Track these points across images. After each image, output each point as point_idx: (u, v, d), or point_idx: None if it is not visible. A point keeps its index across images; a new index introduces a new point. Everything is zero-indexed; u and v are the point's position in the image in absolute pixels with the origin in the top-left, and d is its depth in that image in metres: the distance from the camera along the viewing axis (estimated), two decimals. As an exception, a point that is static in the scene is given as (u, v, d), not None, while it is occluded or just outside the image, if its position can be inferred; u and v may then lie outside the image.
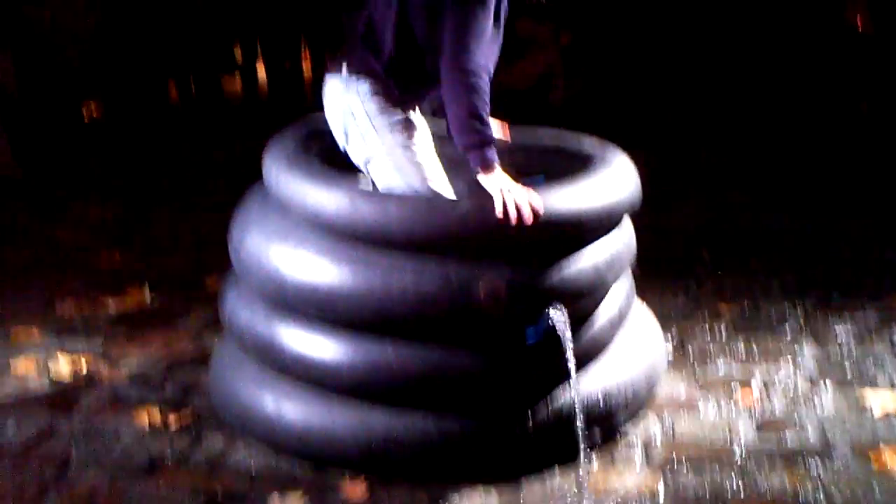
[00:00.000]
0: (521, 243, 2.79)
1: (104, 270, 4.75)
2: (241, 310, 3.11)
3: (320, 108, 3.07)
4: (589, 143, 3.32)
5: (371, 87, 2.92)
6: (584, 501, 2.79)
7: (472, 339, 2.83)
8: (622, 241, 3.08)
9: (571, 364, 2.77)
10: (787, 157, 6.93)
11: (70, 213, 5.67)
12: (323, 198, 2.84)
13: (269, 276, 2.95)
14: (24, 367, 3.64)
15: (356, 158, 2.99)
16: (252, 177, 3.19)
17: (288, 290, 2.91)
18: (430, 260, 2.76)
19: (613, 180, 3.01)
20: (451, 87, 2.75)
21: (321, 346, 2.89)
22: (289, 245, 2.92)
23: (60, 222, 5.48)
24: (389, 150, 2.92)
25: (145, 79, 8.29)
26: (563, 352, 2.76)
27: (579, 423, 2.77)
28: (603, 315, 3.03)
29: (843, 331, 3.96)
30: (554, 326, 2.76)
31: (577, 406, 2.78)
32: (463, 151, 2.78)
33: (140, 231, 5.38)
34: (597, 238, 2.96)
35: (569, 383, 2.79)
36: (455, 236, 2.76)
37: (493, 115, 2.86)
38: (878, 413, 3.27)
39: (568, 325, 2.76)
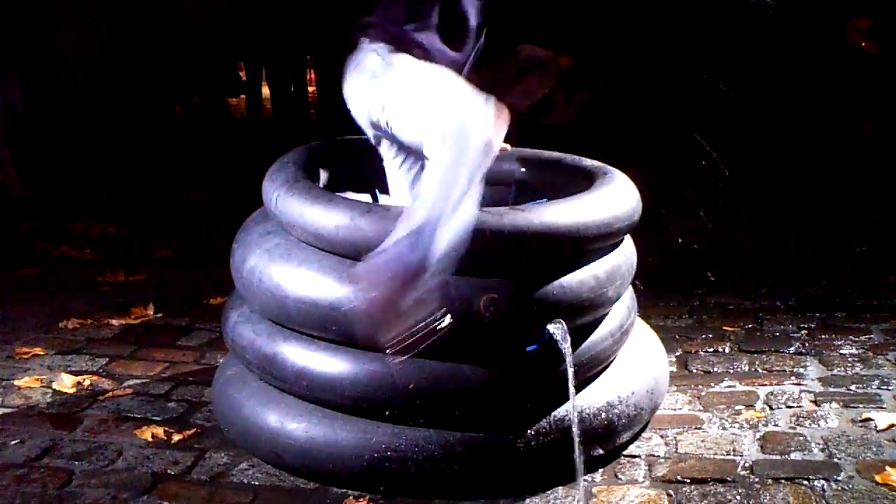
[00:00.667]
0: (521, 258, 2.79)
1: (108, 289, 4.76)
2: (244, 329, 3.12)
3: (324, 131, 3.09)
4: (589, 162, 3.35)
5: (388, 46, 2.94)
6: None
7: (474, 353, 2.83)
8: (623, 256, 3.10)
9: (570, 379, 2.77)
10: (790, 175, 6.95)
11: (75, 232, 5.68)
12: (322, 216, 2.86)
13: (271, 294, 2.96)
14: (28, 385, 3.65)
15: (373, 114, 2.97)
16: (256, 196, 3.20)
17: (290, 308, 2.92)
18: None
19: (614, 197, 3.03)
20: None
21: (323, 363, 2.89)
22: (290, 263, 2.93)
23: (65, 241, 5.49)
24: (403, 77, 2.87)
25: (151, 99, 8.34)
26: (563, 366, 2.76)
27: (577, 438, 2.76)
28: (604, 330, 3.04)
29: (847, 350, 3.96)
30: (554, 341, 2.76)
31: (574, 421, 2.78)
32: None
33: (144, 250, 5.40)
34: (597, 253, 2.97)
35: (570, 397, 2.79)
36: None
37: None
38: (882, 432, 3.26)
39: (568, 340, 2.77)
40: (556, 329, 2.77)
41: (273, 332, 3.02)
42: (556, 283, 2.83)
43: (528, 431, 2.88)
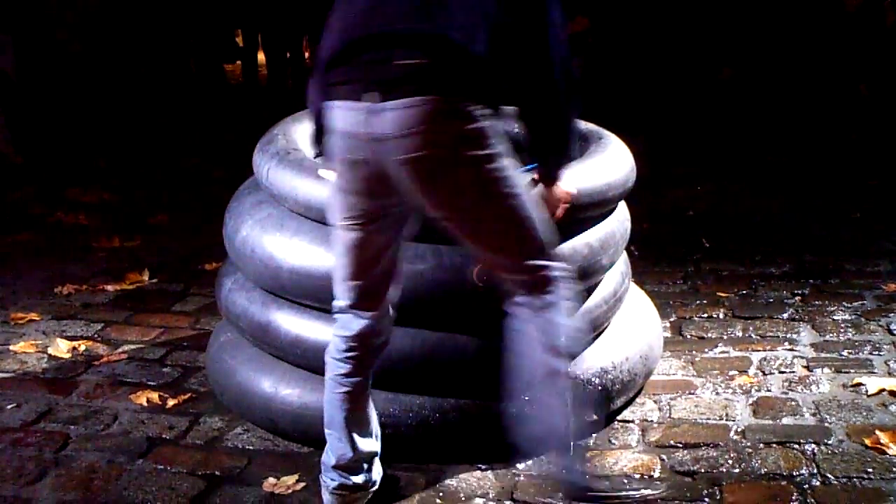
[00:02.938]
0: None
1: (104, 255, 4.77)
2: (238, 297, 3.12)
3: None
4: (584, 126, 3.33)
5: None
6: (581, 482, 2.79)
7: (466, 321, 2.84)
8: (617, 223, 3.10)
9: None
10: (786, 141, 6.94)
11: (70, 198, 5.67)
12: (314, 188, 2.86)
13: (264, 264, 2.97)
14: (24, 349, 3.66)
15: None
16: (251, 163, 3.20)
17: (283, 278, 2.93)
18: (422, 244, 2.78)
19: (607, 163, 3.03)
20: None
21: (317, 331, 2.90)
22: (283, 234, 2.94)
23: (60, 207, 5.49)
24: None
25: (146, 65, 8.30)
26: None
27: (570, 404, 2.77)
28: (598, 297, 3.04)
29: (840, 316, 3.97)
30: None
31: (567, 387, 2.78)
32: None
33: (139, 216, 5.39)
34: (591, 221, 2.97)
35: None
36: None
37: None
38: (873, 396, 3.28)
39: None
40: None
41: (267, 301, 3.03)
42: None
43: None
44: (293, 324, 2.95)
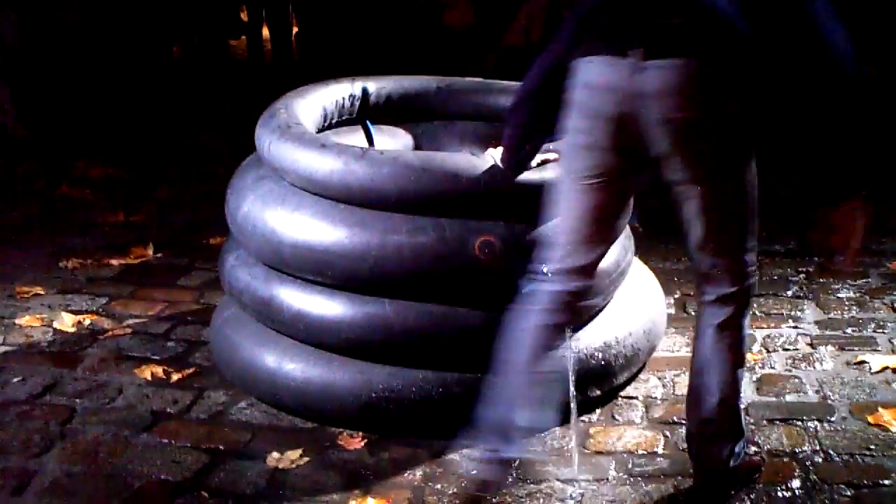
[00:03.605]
0: (515, 200, 2.80)
1: (108, 229, 4.77)
2: (240, 272, 3.13)
3: (321, 73, 3.07)
4: None
5: None
6: (583, 458, 2.81)
7: (469, 294, 2.84)
8: None
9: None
10: (791, 119, 6.90)
11: (74, 172, 5.67)
12: (316, 162, 2.86)
13: (265, 239, 2.97)
14: (29, 323, 3.67)
15: None
16: (254, 138, 3.19)
17: (285, 253, 2.93)
18: (424, 217, 2.79)
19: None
20: None
21: (320, 306, 2.91)
22: (285, 209, 2.94)
23: (65, 181, 5.49)
24: None
25: (150, 40, 8.27)
26: None
27: (572, 379, 2.78)
28: (601, 271, 3.03)
29: (844, 294, 3.97)
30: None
31: (569, 361, 2.79)
32: None
33: (144, 190, 5.39)
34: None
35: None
36: (448, 193, 2.78)
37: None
38: (876, 374, 3.28)
39: None
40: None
41: (269, 276, 3.03)
42: (551, 224, 2.82)
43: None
44: (296, 299, 2.95)
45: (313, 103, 3.30)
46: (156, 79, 8.03)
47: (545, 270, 2.53)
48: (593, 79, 2.31)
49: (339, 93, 3.42)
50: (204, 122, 7.04)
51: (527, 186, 2.77)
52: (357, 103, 3.47)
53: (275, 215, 2.95)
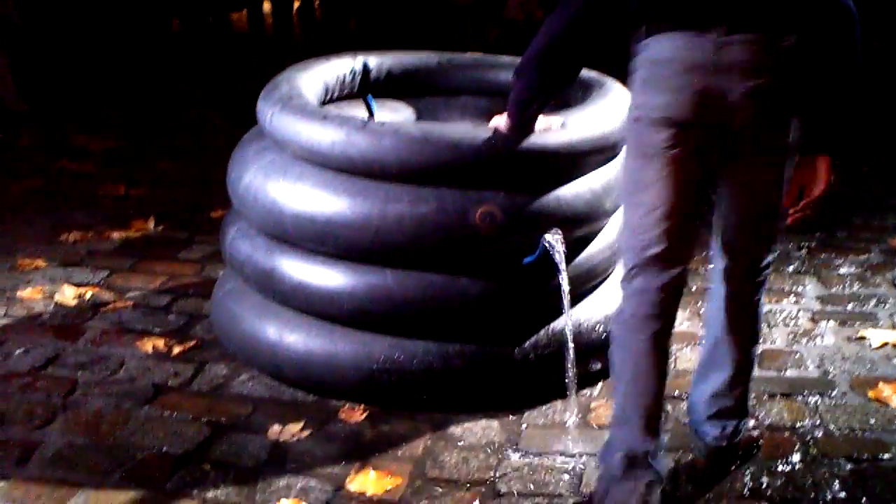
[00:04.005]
0: (516, 171, 2.80)
1: (109, 202, 4.77)
2: (242, 244, 3.13)
3: (323, 47, 3.07)
4: (586, 74, 3.32)
5: None
6: (585, 432, 2.81)
7: (471, 265, 2.85)
8: (619, 168, 3.08)
9: (565, 289, 2.79)
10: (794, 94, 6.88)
11: (75, 146, 5.66)
12: (317, 133, 2.85)
13: (267, 210, 2.97)
14: (31, 296, 3.67)
15: None
16: (255, 112, 3.19)
17: (287, 224, 2.93)
18: (425, 187, 2.79)
19: (608, 110, 3.02)
20: None
21: (321, 276, 2.91)
22: (287, 180, 2.94)
23: (66, 155, 5.48)
24: None
25: (150, 13, 8.25)
26: (558, 277, 2.78)
27: (571, 351, 2.78)
28: (601, 243, 3.05)
29: (845, 270, 3.97)
30: (550, 251, 2.77)
31: (568, 333, 2.79)
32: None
33: (145, 163, 5.39)
34: (593, 166, 2.97)
35: (564, 311, 2.80)
36: (450, 164, 2.78)
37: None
38: (877, 349, 3.29)
39: (562, 249, 2.78)
40: (553, 239, 2.78)
41: (271, 247, 3.03)
42: (552, 195, 2.84)
43: (526, 344, 2.91)
44: (297, 270, 2.95)
45: (315, 77, 3.30)
46: (156, 52, 8.01)
47: (635, 265, 2.42)
48: (672, 55, 2.30)
49: (340, 67, 3.42)
50: (204, 95, 7.03)
51: (527, 156, 2.77)
52: (358, 78, 3.47)
53: (276, 186, 2.95)
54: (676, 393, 3.02)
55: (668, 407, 2.95)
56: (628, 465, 2.41)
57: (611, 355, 2.50)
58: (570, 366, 2.79)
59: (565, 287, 2.79)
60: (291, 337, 2.97)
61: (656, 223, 2.37)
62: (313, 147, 2.87)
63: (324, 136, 2.84)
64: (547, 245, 2.77)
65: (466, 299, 2.84)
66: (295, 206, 2.90)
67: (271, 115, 3.00)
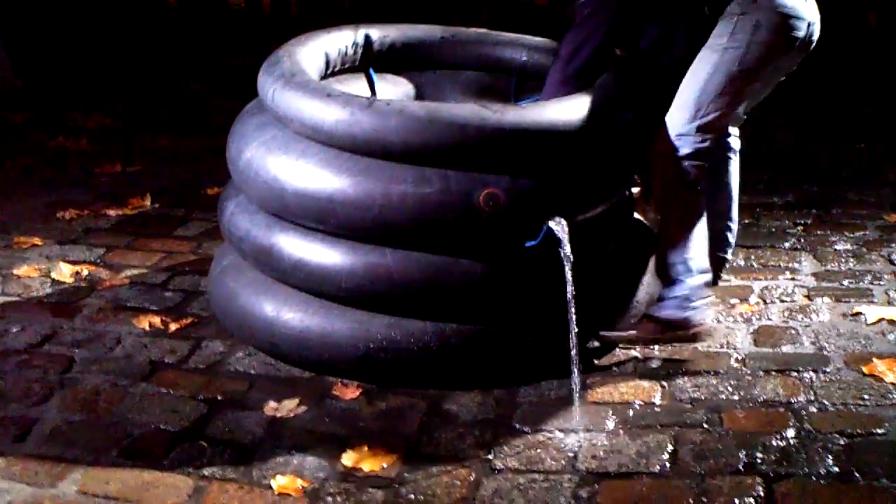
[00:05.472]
0: (521, 155, 2.80)
1: (105, 180, 4.76)
2: (240, 219, 3.12)
3: (320, 22, 3.05)
4: None
5: None
6: (581, 409, 2.82)
7: (472, 247, 2.84)
8: (623, 153, 3.08)
9: (568, 276, 2.78)
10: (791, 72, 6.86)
11: (70, 123, 5.65)
12: (321, 111, 2.84)
13: (268, 186, 2.96)
14: (27, 274, 3.67)
15: None
16: (253, 88, 3.18)
17: (288, 201, 2.91)
18: (429, 168, 2.78)
19: (614, 95, 3.01)
20: None
21: (321, 254, 2.91)
22: (288, 156, 2.92)
23: (61, 132, 5.47)
24: None
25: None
26: (561, 262, 2.77)
27: (574, 332, 2.79)
28: (603, 227, 3.05)
29: (841, 246, 3.97)
30: (554, 235, 2.77)
31: (571, 314, 2.79)
32: None
33: (141, 140, 5.37)
34: (597, 149, 2.97)
35: (567, 293, 2.80)
36: (455, 145, 2.77)
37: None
38: (872, 325, 3.30)
39: (567, 237, 2.77)
40: (556, 226, 2.78)
41: (270, 223, 3.02)
42: (556, 179, 2.84)
43: (524, 324, 2.92)
44: (296, 247, 2.94)
45: (316, 50, 3.26)
46: (152, 28, 7.97)
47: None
48: (787, 7, 2.97)
49: (342, 40, 3.39)
50: (201, 72, 7.00)
51: (533, 141, 2.79)
52: (360, 51, 3.44)
53: (278, 162, 2.93)
54: (672, 370, 3.03)
55: (664, 383, 2.96)
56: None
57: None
58: (573, 342, 2.79)
59: (569, 274, 2.78)
60: (288, 314, 2.97)
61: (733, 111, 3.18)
62: (317, 125, 2.85)
63: (328, 114, 2.83)
64: (551, 229, 2.78)
65: (466, 281, 2.84)
66: (296, 183, 2.88)
67: (273, 91, 2.98)
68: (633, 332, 3.07)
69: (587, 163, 2.94)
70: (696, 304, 3.04)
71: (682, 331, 3.05)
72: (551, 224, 2.78)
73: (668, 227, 3.09)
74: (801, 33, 3.02)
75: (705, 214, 3.09)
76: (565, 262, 2.77)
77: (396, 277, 2.84)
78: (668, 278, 3.08)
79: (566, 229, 2.78)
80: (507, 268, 2.87)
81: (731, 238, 3.48)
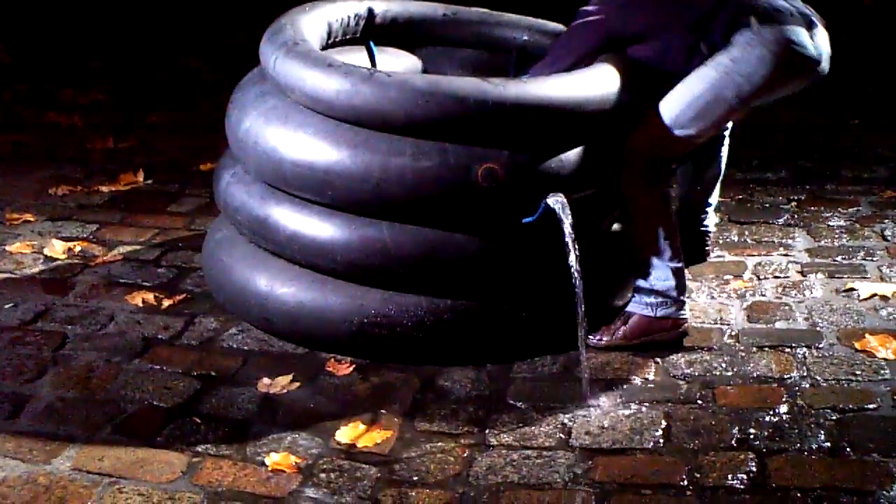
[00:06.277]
0: (521, 130, 2.81)
1: (98, 156, 4.73)
2: (237, 190, 3.11)
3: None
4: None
5: None
6: (575, 385, 2.83)
7: (469, 222, 2.85)
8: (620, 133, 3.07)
9: (572, 253, 2.78)
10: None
11: (62, 99, 5.61)
12: (323, 81, 2.83)
13: (266, 156, 2.95)
14: (20, 250, 3.66)
15: None
16: (249, 63, 3.16)
17: (286, 171, 2.91)
18: (428, 141, 2.78)
19: (616, 72, 3.00)
20: None
21: (316, 227, 2.91)
22: (288, 127, 2.91)
23: (53, 108, 5.43)
24: None
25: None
26: (560, 237, 2.77)
27: (581, 308, 2.79)
28: (599, 203, 3.07)
29: (835, 222, 3.97)
30: (553, 212, 2.77)
31: (579, 287, 2.80)
32: None
33: (134, 116, 5.34)
34: (596, 127, 2.97)
35: (563, 268, 2.80)
36: (455, 119, 2.77)
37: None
38: (865, 301, 3.30)
39: (568, 212, 2.77)
40: (556, 202, 2.78)
41: (266, 195, 3.01)
42: (555, 156, 2.84)
43: (518, 300, 2.92)
44: (292, 219, 2.94)
45: (319, 20, 3.23)
46: (143, 2, 7.91)
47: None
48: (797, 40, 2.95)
49: (344, 11, 3.35)
50: (195, 47, 6.96)
51: (533, 116, 2.80)
52: (362, 23, 3.41)
53: (277, 132, 2.92)
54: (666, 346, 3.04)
55: (657, 359, 2.97)
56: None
57: None
58: (581, 317, 2.80)
59: (572, 249, 2.78)
60: (282, 288, 2.97)
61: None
62: (318, 95, 2.84)
63: (329, 84, 2.82)
64: (549, 206, 2.77)
65: (461, 255, 2.85)
66: (295, 154, 2.87)
67: (275, 60, 2.96)
68: (620, 335, 3.02)
69: (587, 140, 2.93)
70: (668, 298, 3.01)
71: (661, 330, 3.03)
72: (549, 200, 2.78)
73: (637, 222, 3.05)
74: (806, 69, 3.01)
75: (674, 209, 3.09)
76: (568, 238, 2.77)
77: (392, 251, 2.84)
78: (639, 272, 3.04)
79: (566, 206, 2.78)
80: (503, 243, 2.88)
81: (711, 210, 3.57)
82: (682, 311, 3.05)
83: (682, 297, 3.04)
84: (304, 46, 2.98)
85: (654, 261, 3.00)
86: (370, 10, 3.43)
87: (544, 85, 2.89)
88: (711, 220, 3.60)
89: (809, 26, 2.96)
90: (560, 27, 3.44)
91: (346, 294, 2.90)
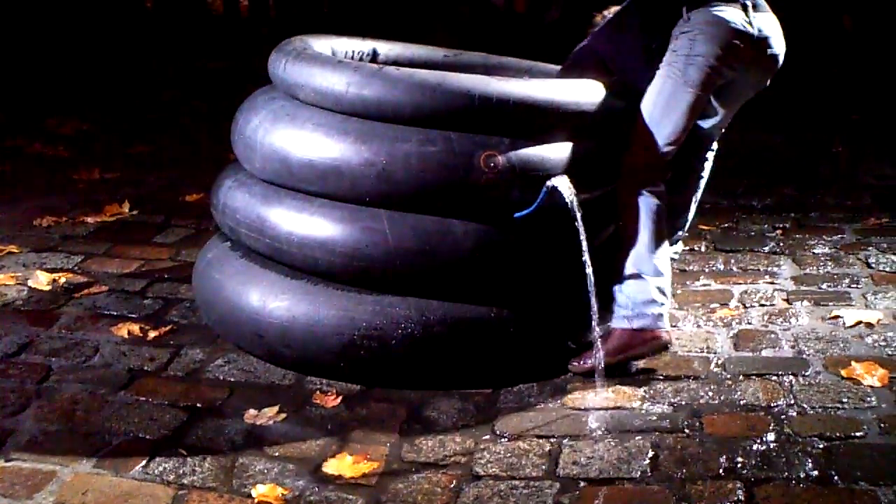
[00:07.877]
0: (525, 126, 2.89)
1: (83, 186, 4.73)
2: (238, 192, 3.15)
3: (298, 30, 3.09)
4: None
5: None
6: (560, 413, 2.83)
7: (469, 210, 2.90)
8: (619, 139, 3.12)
9: (582, 235, 2.85)
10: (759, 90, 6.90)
11: (47, 129, 5.61)
12: (331, 76, 2.93)
13: (273, 150, 3.01)
14: (4, 282, 3.64)
15: None
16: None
17: (292, 162, 2.96)
18: (433, 129, 2.86)
19: (606, 83, 3.08)
20: None
21: (316, 222, 2.94)
22: (296, 122, 2.99)
23: (38, 138, 5.43)
24: None
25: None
26: (558, 236, 2.86)
27: (594, 305, 2.87)
28: (601, 211, 3.10)
29: (820, 250, 4.00)
30: (551, 204, 2.82)
31: (592, 293, 2.87)
32: None
33: (119, 147, 5.34)
34: (598, 131, 3.05)
35: (559, 270, 2.87)
36: (461, 111, 2.84)
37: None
38: (850, 328, 3.31)
39: (574, 194, 2.83)
40: (559, 183, 2.84)
41: (268, 193, 3.06)
42: (557, 148, 2.92)
43: (510, 303, 2.98)
44: (291, 216, 2.98)
45: (325, 45, 3.36)
46: (128, 33, 7.93)
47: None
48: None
49: (349, 46, 3.48)
50: (179, 78, 6.97)
51: (534, 107, 2.88)
52: (367, 60, 3.48)
53: (284, 127, 3.01)
54: (652, 374, 3.03)
55: (644, 387, 2.96)
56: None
57: None
58: (594, 321, 2.86)
59: (582, 233, 2.84)
60: (275, 303, 2.97)
61: (675, 141, 3.09)
62: (327, 90, 2.93)
63: (338, 79, 2.91)
64: (552, 189, 2.83)
65: (459, 248, 2.89)
66: (303, 146, 2.94)
67: (285, 63, 3.08)
68: (602, 354, 2.98)
69: (588, 143, 3.00)
70: (645, 310, 3.02)
71: (641, 342, 3.04)
72: (553, 181, 2.84)
73: (626, 228, 3.07)
74: (748, 46, 3.01)
75: (665, 226, 3.10)
76: (576, 213, 2.84)
77: (392, 242, 2.87)
78: (620, 283, 3.06)
79: (572, 188, 2.84)
80: (501, 240, 2.93)
81: (689, 216, 3.57)
82: (661, 322, 3.04)
83: (659, 311, 3.03)
84: (314, 52, 3.13)
85: (635, 272, 3.02)
86: (374, 51, 3.54)
87: (544, 85, 3.01)
88: (677, 247, 3.63)
89: (745, 9, 2.98)
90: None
91: (338, 306, 2.91)
